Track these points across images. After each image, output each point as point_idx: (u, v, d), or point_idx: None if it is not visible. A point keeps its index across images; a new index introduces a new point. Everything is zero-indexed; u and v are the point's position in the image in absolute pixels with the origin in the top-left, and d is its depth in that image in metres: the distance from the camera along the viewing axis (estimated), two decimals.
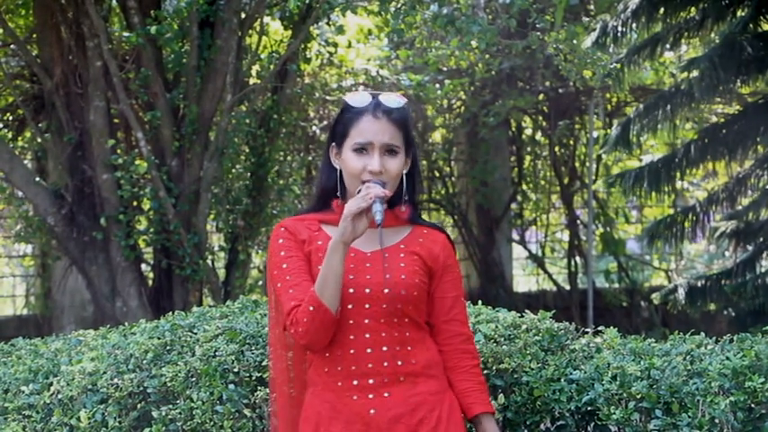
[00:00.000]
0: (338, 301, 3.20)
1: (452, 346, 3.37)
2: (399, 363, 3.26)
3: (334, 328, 3.22)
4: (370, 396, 3.24)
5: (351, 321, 3.24)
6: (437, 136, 13.23)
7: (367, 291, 3.25)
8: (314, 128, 11.46)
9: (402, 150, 3.31)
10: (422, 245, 3.36)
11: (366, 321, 3.25)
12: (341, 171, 3.33)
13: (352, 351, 3.24)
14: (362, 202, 3.15)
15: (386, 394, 3.24)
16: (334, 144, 3.36)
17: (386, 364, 3.25)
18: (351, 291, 3.24)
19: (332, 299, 3.18)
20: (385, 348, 3.25)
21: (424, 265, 3.34)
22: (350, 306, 3.24)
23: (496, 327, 4.25)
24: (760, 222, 9.36)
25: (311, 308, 3.17)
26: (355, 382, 3.24)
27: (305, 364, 3.35)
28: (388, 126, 3.29)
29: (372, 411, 3.23)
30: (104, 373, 4.17)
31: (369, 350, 3.24)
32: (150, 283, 8.59)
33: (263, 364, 4.04)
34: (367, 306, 3.25)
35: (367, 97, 3.33)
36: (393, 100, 3.32)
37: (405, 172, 3.34)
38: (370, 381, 3.24)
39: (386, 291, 3.26)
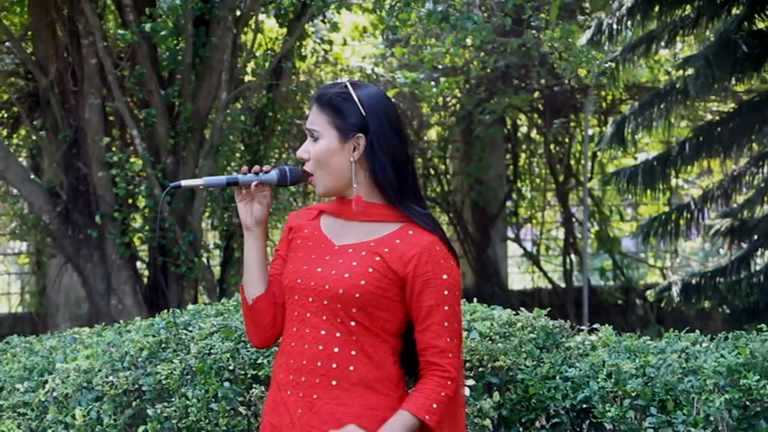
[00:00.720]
0: (255, 290, 3.15)
1: (423, 358, 3.04)
2: (334, 365, 3.02)
3: (261, 321, 3.16)
4: (300, 395, 3.05)
5: (295, 313, 3.09)
6: (432, 134, 13.22)
7: (312, 283, 3.05)
8: None
9: (327, 134, 3.07)
10: (396, 247, 3.05)
11: (308, 315, 3.07)
12: None
13: (292, 344, 3.08)
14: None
15: (314, 396, 3.04)
16: None
17: (320, 363, 3.03)
18: (298, 281, 3.08)
19: (248, 286, 3.16)
20: (321, 347, 3.04)
21: (387, 268, 3.03)
22: (296, 297, 3.09)
23: (492, 324, 4.25)
24: (755, 220, 9.37)
25: (241, 299, 3.19)
26: (291, 377, 3.07)
27: None
28: (315, 111, 3.10)
29: (299, 411, 3.05)
30: (99, 370, 4.17)
31: (306, 346, 3.05)
32: (145, 280, 8.59)
33: (258, 361, 4.05)
34: (310, 300, 3.06)
35: (333, 86, 3.20)
36: (330, 85, 3.15)
37: (354, 159, 3.07)
38: (303, 378, 3.05)
39: (327, 287, 3.04)
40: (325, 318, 3.05)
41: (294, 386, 3.06)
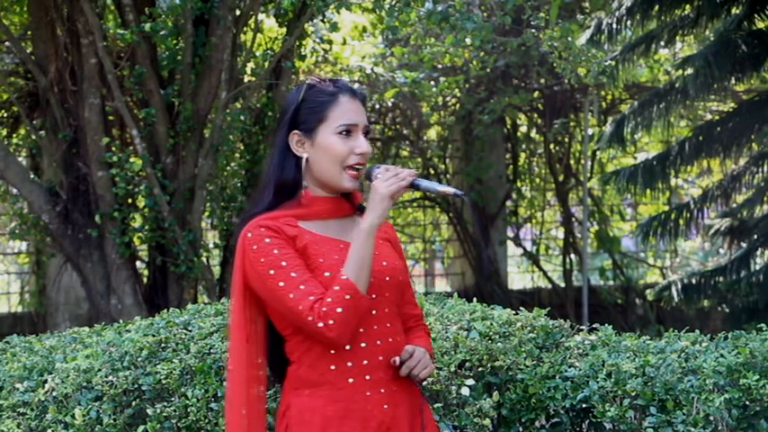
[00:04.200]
0: (366, 286, 3.07)
1: (407, 326, 3.26)
2: (395, 355, 3.15)
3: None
4: (382, 390, 3.11)
5: None
6: (432, 133, 13.23)
7: (372, 280, 3.10)
8: None
9: None
10: (382, 230, 3.20)
11: (373, 312, 3.12)
12: (306, 159, 3.16)
13: (363, 345, 3.10)
14: (402, 182, 3.08)
15: (394, 388, 3.13)
16: (298, 131, 3.17)
17: (391, 356, 3.14)
18: None
19: (366, 284, 3.05)
20: (391, 339, 3.14)
21: (395, 249, 3.27)
22: None
23: (491, 324, 4.25)
24: (754, 220, 9.38)
25: (347, 296, 3.01)
26: (368, 377, 3.09)
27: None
28: (362, 108, 3.18)
29: (386, 406, 3.11)
30: (99, 370, 4.17)
31: (378, 342, 3.11)
32: (145, 280, 8.58)
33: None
34: (373, 296, 3.11)
35: (328, 81, 3.21)
36: (348, 82, 3.25)
37: None
38: (381, 375, 3.11)
39: (387, 278, 3.16)
40: (387, 310, 3.16)
41: (372, 385, 3.10)
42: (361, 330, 3.08)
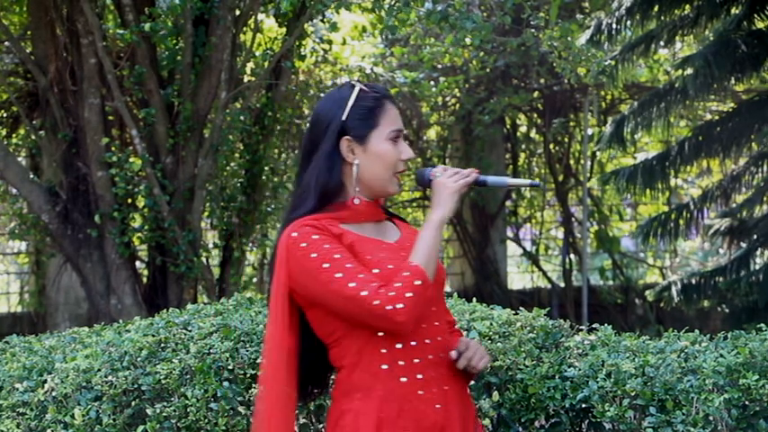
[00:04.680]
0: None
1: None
2: (444, 353, 3.13)
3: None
4: (435, 390, 3.07)
5: None
6: (432, 133, 13.23)
7: None
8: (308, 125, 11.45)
9: None
10: (413, 233, 3.23)
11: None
12: (357, 165, 3.14)
13: (413, 343, 3.05)
14: (467, 178, 3.14)
15: (446, 387, 3.10)
16: (349, 138, 3.14)
17: (441, 355, 3.11)
18: None
19: (433, 275, 3.05)
20: (440, 338, 3.12)
21: None
22: None
23: (491, 324, 4.25)
24: (754, 220, 9.38)
25: (417, 282, 2.98)
26: (420, 376, 3.05)
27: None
28: (398, 113, 3.23)
29: (438, 406, 3.07)
30: (99, 370, 4.17)
31: (427, 341, 3.08)
32: (145, 280, 8.58)
33: (258, 361, 4.04)
34: None
35: (367, 87, 3.18)
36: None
37: None
38: (433, 373, 3.08)
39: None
40: (434, 309, 3.13)
41: (424, 384, 3.06)
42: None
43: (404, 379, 3.04)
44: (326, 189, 3.14)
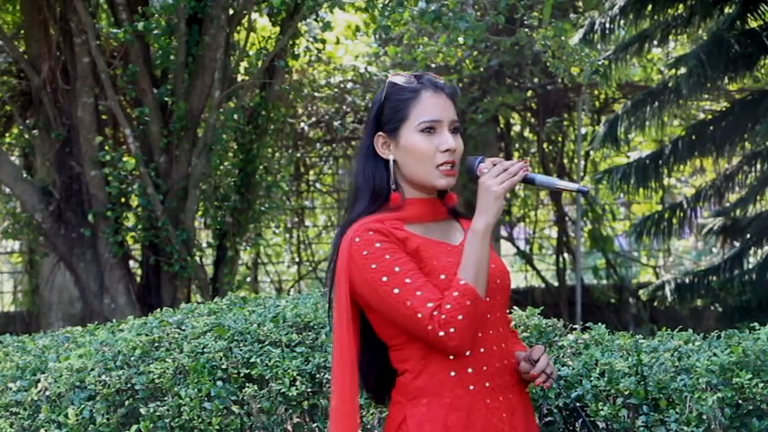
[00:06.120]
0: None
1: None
2: (508, 360, 3.03)
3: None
4: (501, 399, 2.97)
5: None
6: None
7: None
8: (302, 124, 11.45)
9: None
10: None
11: (488, 316, 2.98)
12: (394, 161, 3.03)
13: (482, 350, 2.95)
14: (514, 177, 3.03)
15: (510, 395, 3.00)
16: (381, 133, 3.03)
17: (506, 362, 3.01)
18: None
19: (484, 288, 2.90)
20: (504, 345, 3.01)
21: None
22: None
23: None
24: (747, 219, 9.39)
25: (468, 302, 2.85)
26: (487, 384, 2.95)
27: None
28: (449, 102, 3.05)
29: (504, 415, 2.97)
30: (92, 369, 4.17)
31: (494, 347, 2.98)
32: (138, 279, 8.58)
33: (251, 360, 4.04)
34: (487, 299, 2.95)
35: (411, 77, 3.06)
36: (439, 78, 3.09)
37: None
38: (500, 381, 2.98)
39: (497, 281, 3.03)
40: (499, 315, 3.02)
41: (490, 393, 2.96)
42: (479, 335, 2.94)
43: (472, 387, 2.94)
44: (374, 187, 3.04)
